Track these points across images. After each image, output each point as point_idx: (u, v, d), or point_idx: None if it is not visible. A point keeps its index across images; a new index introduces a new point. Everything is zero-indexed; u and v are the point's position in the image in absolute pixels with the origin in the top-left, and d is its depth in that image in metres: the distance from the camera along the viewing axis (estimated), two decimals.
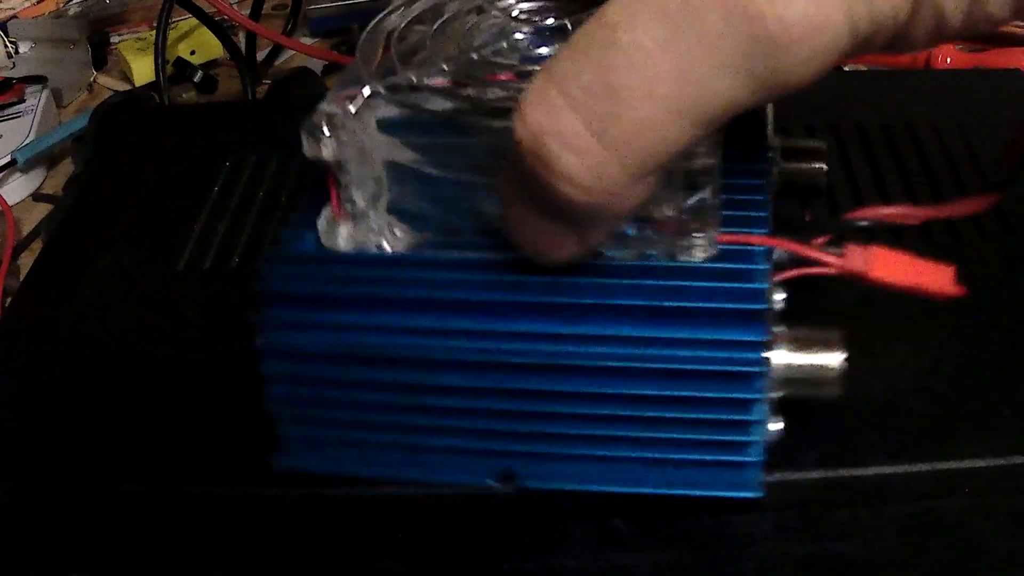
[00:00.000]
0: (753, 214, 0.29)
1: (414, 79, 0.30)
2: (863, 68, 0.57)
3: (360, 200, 0.30)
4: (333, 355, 0.29)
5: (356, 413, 0.30)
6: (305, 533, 0.31)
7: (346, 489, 0.31)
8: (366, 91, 0.29)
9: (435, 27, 0.33)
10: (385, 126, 0.31)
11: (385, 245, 0.29)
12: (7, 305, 0.45)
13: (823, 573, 0.29)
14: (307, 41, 0.70)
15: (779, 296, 0.29)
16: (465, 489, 0.30)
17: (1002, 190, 0.32)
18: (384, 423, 0.30)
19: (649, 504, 0.30)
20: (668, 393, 0.27)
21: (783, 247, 0.28)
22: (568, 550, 0.30)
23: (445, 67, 0.30)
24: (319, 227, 0.29)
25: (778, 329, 0.28)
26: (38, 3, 0.78)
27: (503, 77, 0.30)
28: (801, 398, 0.28)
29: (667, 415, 0.28)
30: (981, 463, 0.29)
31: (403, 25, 0.33)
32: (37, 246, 0.53)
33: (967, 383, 0.31)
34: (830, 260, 0.28)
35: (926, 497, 0.30)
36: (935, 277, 0.28)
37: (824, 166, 0.36)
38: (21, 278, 0.47)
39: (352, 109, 0.29)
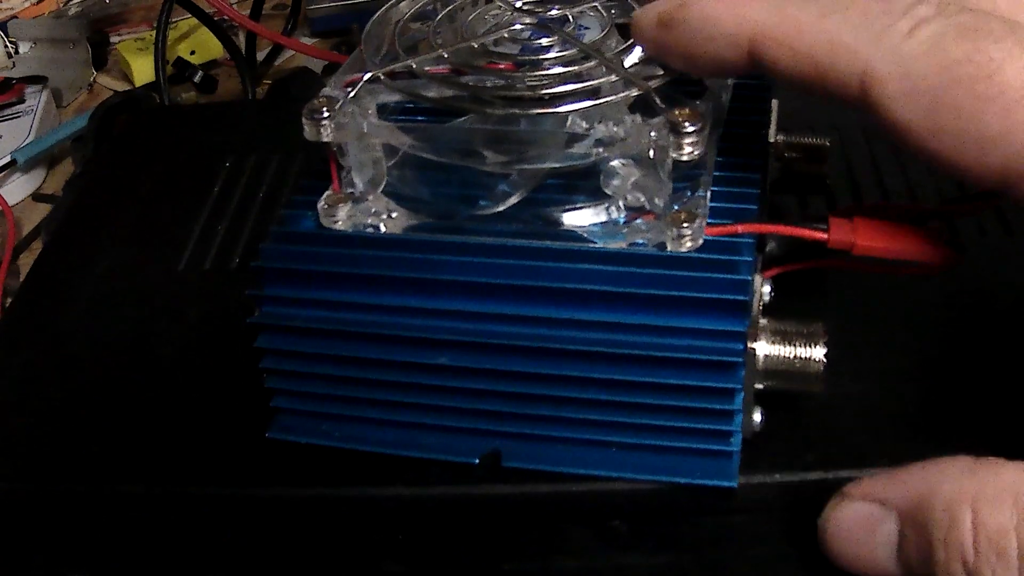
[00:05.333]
0: (743, 206, 0.29)
1: (414, 66, 0.30)
2: None
3: (359, 182, 0.30)
4: (327, 331, 0.29)
5: (347, 389, 0.30)
6: (305, 533, 0.31)
7: (346, 489, 0.31)
8: (366, 76, 0.29)
9: (439, 16, 0.33)
10: (385, 111, 0.31)
11: (382, 226, 0.30)
12: (7, 305, 0.45)
13: (823, 573, 0.29)
14: (307, 41, 0.70)
15: (766, 289, 0.29)
16: (465, 489, 0.30)
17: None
18: (374, 399, 0.30)
19: (649, 505, 0.30)
20: (650, 380, 0.28)
21: (767, 231, 0.29)
22: (568, 550, 0.30)
23: (445, 55, 0.31)
24: (319, 207, 0.30)
25: (763, 321, 0.28)
26: (38, 3, 0.78)
27: (502, 66, 0.30)
28: (784, 391, 0.29)
29: (648, 401, 0.28)
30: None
31: (409, 14, 0.33)
32: (37, 246, 0.53)
33: (967, 383, 0.31)
34: (817, 234, 0.28)
35: None
36: (924, 242, 0.28)
37: (827, 157, 0.36)
38: (21, 278, 0.47)
39: (352, 94, 0.29)
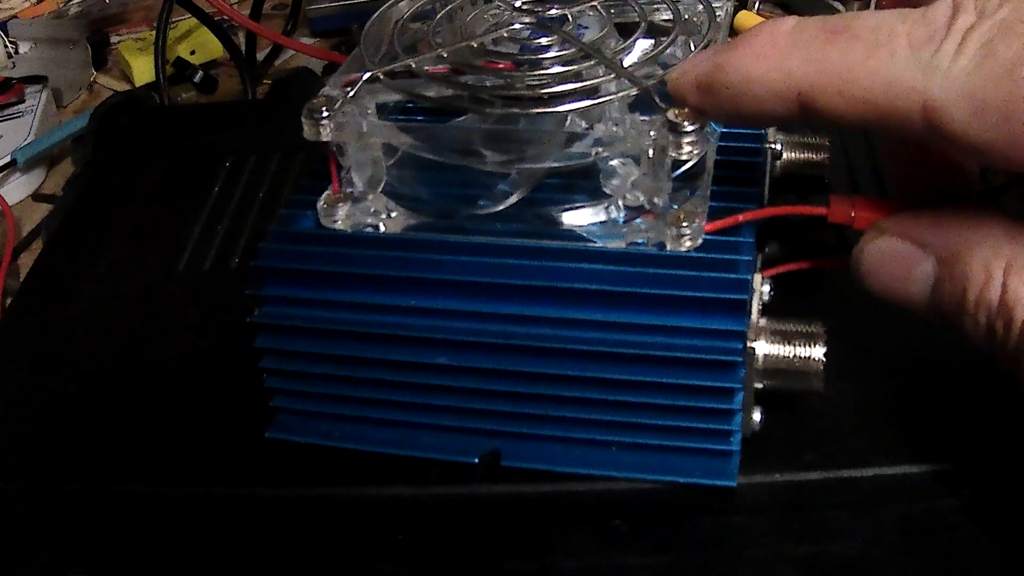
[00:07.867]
0: (743, 206, 0.29)
1: (414, 65, 0.30)
2: None
3: (358, 182, 0.30)
4: (327, 331, 0.30)
5: (347, 388, 0.30)
6: (305, 533, 0.31)
7: (346, 489, 0.31)
8: (366, 76, 0.29)
9: (439, 16, 0.33)
10: (384, 111, 0.31)
11: (381, 226, 0.30)
12: (7, 305, 0.45)
13: (823, 573, 0.29)
14: (307, 41, 0.70)
15: (766, 289, 0.29)
16: (465, 489, 0.30)
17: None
18: (374, 399, 0.30)
19: (649, 505, 0.30)
20: (649, 379, 0.28)
21: (767, 215, 0.29)
22: (568, 550, 0.30)
23: (445, 55, 0.31)
24: (318, 207, 0.30)
25: (763, 321, 0.28)
26: (38, 3, 0.78)
27: (501, 66, 0.30)
28: (784, 390, 0.29)
29: (648, 401, 0.28)
30: (979, 463, 0.29)
31: (408, 14, 0.33)
32: (37, 246, 0.53)
33: (966, 382, 0.31)
34: (818, 211, 0.28)
35: (926, 497, 0.30)
36: None
37: (826, 156, 0.36)
38: (21, 278, 0.47)
39: (351, 93, 0.29)
